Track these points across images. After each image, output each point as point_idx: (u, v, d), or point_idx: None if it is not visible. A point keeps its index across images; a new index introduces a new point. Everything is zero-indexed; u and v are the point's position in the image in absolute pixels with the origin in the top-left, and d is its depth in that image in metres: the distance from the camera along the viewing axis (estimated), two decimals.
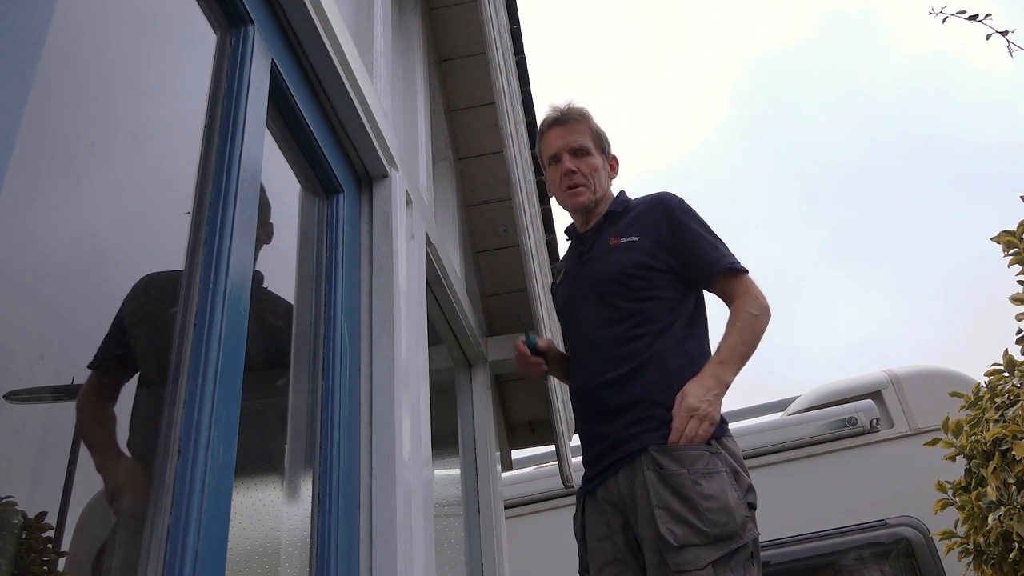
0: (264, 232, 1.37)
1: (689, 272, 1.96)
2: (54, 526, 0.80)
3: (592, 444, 1.91)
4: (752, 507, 1.71)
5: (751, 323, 1.86)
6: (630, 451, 1.77)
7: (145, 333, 1.03)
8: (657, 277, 1.94)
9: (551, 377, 3.17)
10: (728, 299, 1.93)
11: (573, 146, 2.11)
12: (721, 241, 2.00)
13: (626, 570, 1.74)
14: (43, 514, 0.79)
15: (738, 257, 1.98)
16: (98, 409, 0.92)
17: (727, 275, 1.93)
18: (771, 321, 1.92)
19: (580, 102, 2.19)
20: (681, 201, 2.06)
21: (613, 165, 2.21)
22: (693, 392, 1.75)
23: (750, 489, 1.74)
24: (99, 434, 0.93)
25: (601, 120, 2.21)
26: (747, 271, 1.95)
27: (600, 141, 2.16)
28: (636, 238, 1.99)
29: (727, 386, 1.78)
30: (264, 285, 1.34)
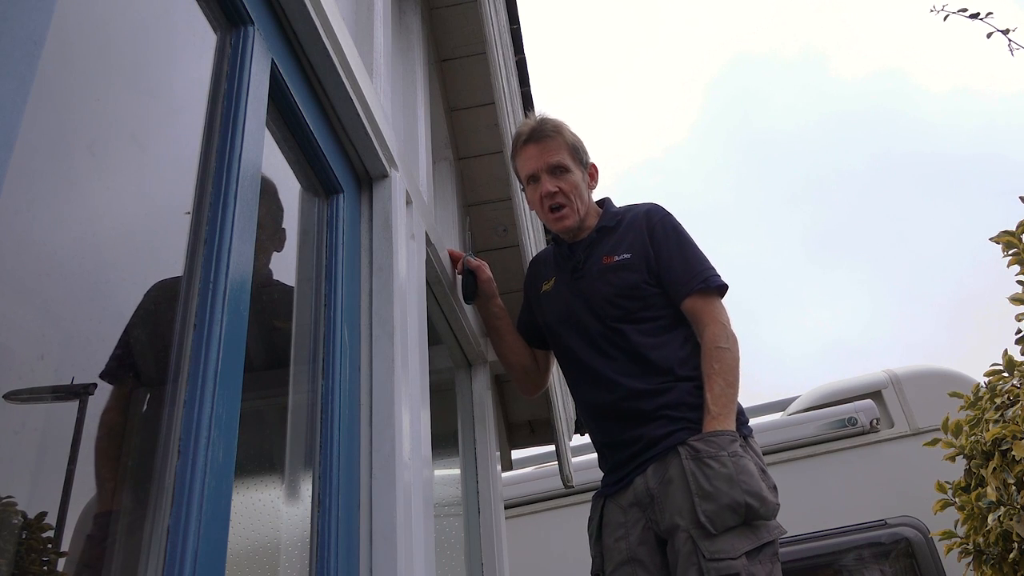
0: (276, 239, 1.36)
1: (664, 289, 1.95)
2: (54, 526, 0.80)
3: (618, 449, 1.90)
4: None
5: (727, 359, 1.84)
6: (663, 448, 1.78)
7: (157, 341, 1.03)
8: (653, 295, 1.95)
9: (551, 378, 3.17)
10: (697, 324, 1.92)
11: (551, 163, 2.05)
12: (700, 256, 1.98)
13: (641, 570, 1.74)
14: (43, 514, 0.79)
15: (717, 272, 1.96)
16: (116, 440, 0.92)
17: (697, 296, 1.91)
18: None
19: (552, 113, 2.15)
20: (665, 215, 2.05)
21: (592, 175, 2.16)
22: (712, 448, 1.73)
23: (774, 489, 1.76)
24: (107, 472, 0.93)
25: (578, 128, 2.17)
26: (719, 290, 1.93)
27: (576, 153, 2.10)
28: (628, 256, 1.98)
29: (732, 424, 1.77)
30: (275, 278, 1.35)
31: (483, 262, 2.27)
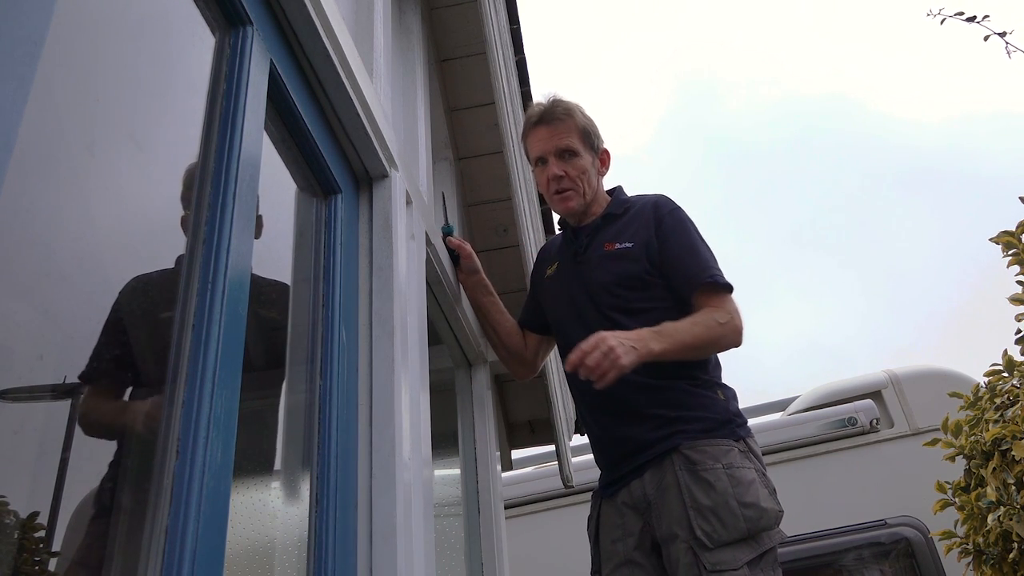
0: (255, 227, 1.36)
1: (670, 282, 1.89)
2: (46, 526, 0.80)
3: (610, 445, 1.87)
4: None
5: (712, 327, 1.77)
6: (658, 452, 1.74)
7: (138, 337, 1.03)
8: (652, 286, 1.89)
9: (551, 377, 3.17)
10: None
11: (560, 147, 2.02)
12: (709, 253, 1.92)
13: (638, 571, 1.72)
14: (35, 514, 0.79)
15: (722, 272, 1.89)
16: (100, 411, 0.93)
17: (706, 289, 1.84)
18: (736, 347, 1.81)
19: (567, 96, 2.08)
20: (674, 208, 1.99)
21: (603, 160, 2.12)
22: (611, 333, 1.64)
23: (773, 493, 1.74)
24: (109, 413, 0.93)
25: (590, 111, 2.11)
26: (730, 288, 1.87)
27: (588, 137, 2.06)
28: (630, 244, 1.93)
29: (650, 353, 1.66)
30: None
31: (465, 242, 2.26)
